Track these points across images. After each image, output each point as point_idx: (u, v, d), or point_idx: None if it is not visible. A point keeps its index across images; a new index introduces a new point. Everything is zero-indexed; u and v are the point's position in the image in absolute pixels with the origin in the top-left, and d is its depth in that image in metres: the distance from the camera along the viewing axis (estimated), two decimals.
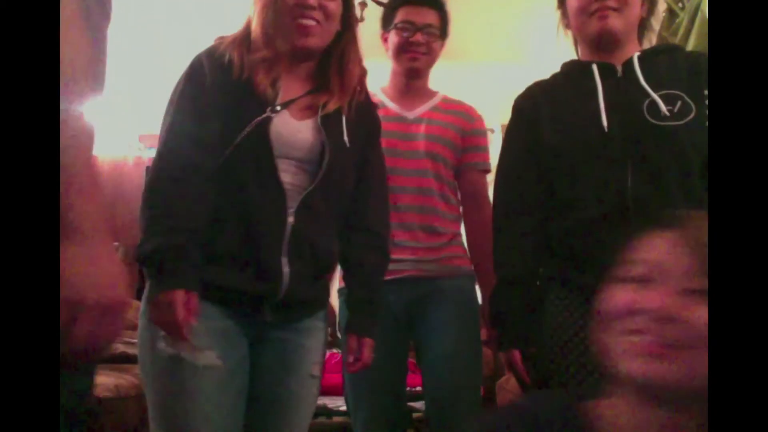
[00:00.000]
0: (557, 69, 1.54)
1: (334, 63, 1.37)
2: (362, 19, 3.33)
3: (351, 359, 1.37)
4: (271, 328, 1.28)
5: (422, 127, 1.79)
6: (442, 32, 1.83)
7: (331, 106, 1.32)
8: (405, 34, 1.78)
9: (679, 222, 0.71)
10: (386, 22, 1.85)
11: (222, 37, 1.34)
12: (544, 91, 1.49)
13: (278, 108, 1.26)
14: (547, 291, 1.39)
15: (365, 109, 1.43)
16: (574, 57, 1.53)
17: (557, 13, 1.53)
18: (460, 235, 1.86)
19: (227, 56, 1.27)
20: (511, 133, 1.51)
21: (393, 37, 1.81)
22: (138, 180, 4.28)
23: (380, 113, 1.77)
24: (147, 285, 1.21)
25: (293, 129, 1.28)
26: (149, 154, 4.45)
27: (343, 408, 2.51)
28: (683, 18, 2.70)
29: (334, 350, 3.08)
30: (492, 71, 4.49)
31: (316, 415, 2.65)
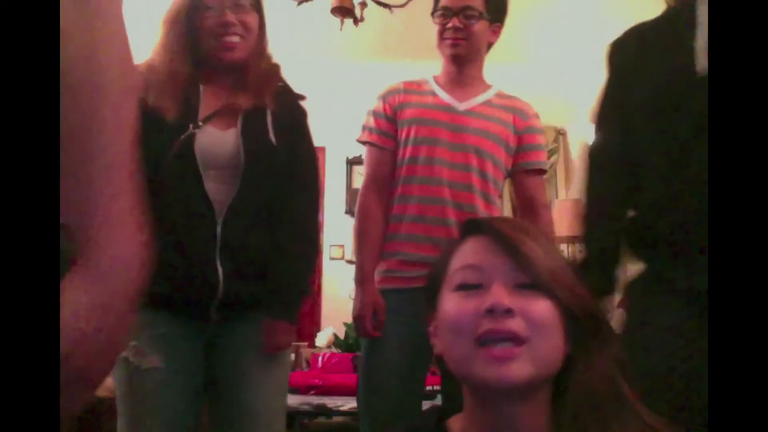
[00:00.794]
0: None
1: (250, 68, 1.43)
2: (362, 19, 3.33)
3: (266, 340, 1.38)
4: (221, 327, 1.37)
5: (472, 121, 1.72)
6: (489, 14, 1.73)
7: (246, 104, 1.38)
8: (443, 21, 1.72)
9: (488, 227, 0.75)
10: (432, 10, 1.79)
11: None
12: (639, 33, 1.23)
13: (200, 123, 1.34)
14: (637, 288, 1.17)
15: (288, 100, 1.48)
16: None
17: None
18: None
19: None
20: (603, 91, 1.29)
21: (435, 26, 1.76)
22: None
23: (430, 101, 1.75)
24: None
25: (217, 140, 1.35)
26: None
27: (344, 408, 2.51)
28: None
29: (333, 350, 3.09)
30: (492, 71, 4.49)
31: (315, 414, 2.65)
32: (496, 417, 0.71)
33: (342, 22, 3.27)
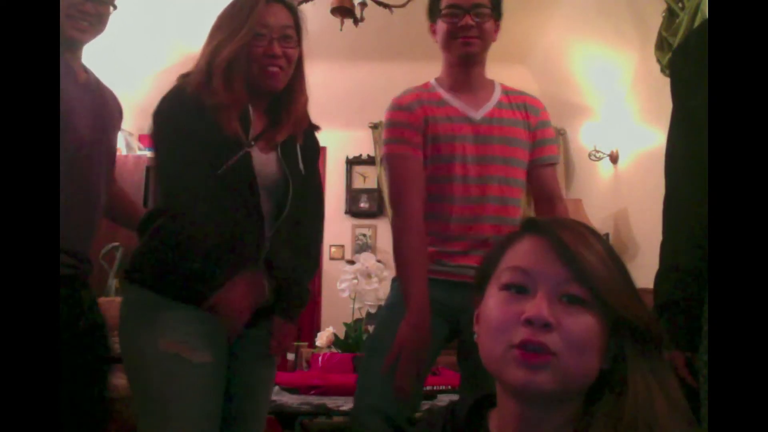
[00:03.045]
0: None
1: (284, 99, 1.54)
2: (362, 19, 3.33)
3: (275, 341, 1.49)
4: (246, 327, 1.45)
5: (494, 129, 1.69)
6: (495, 11, 1.71)
7: (280, 138, 1.50)
8: (454, 20, 1.67)
9: (547, 230, 0.74)
10: (432, 11, 1.74)
11: (185, 75, 1.47)
12: (699, 35, 1.16)
13: (252, 143, 1.45)
14: None
15: (309, 134, 1.61)
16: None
17: None
18: None
19: (196, 100, 1.41)
20: (672, 101, 1.22)
21: (441, 26, 1.70)
22: (138, 179, 4.28)
23: (445, 112, 1.71)
24: (126, 296, 1.41)
25: (264, 161, 1.47)
26: (149, 153, 4.45)
27: (344, 408, 2.51)
28: (683, 18, 2.70)
29: (333, 350, 3.09)
30: (492, 72, 4.48)
31: (316, 414, 2.65)
32: (524, 419, 0.71)
33: (342, 22, 3.27)
